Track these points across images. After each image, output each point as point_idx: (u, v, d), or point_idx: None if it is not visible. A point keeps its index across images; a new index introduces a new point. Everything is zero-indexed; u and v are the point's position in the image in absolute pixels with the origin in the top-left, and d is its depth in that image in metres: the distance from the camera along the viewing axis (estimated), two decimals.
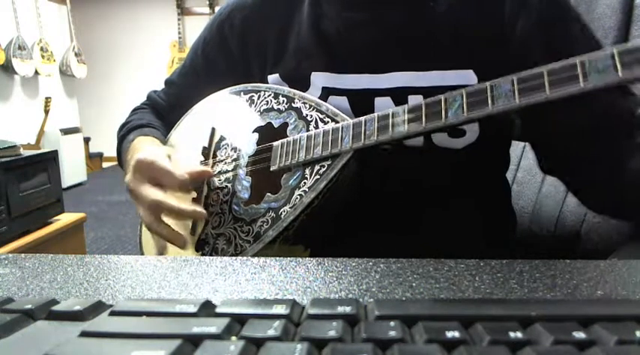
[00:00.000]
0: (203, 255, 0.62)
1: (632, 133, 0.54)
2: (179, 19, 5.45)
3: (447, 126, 0.49)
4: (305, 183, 0.56)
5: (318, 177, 0.55)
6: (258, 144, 0.64)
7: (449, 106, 0.49)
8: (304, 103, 0.61)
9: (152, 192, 0.57)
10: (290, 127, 0.61)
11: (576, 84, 0.42)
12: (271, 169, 0.60)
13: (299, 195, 0.56)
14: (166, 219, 0.67)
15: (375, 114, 0.54)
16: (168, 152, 0.62)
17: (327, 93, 0.63)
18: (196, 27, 5.39)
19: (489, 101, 0.47)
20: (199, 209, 0.57)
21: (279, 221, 0.56)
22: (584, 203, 0.64)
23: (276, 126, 0.63)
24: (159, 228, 0.58)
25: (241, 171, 0.64)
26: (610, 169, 0.54)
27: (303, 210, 0.54)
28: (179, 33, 5.45)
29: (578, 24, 0.59)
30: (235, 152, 0.66)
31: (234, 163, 0.65)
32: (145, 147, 0.65)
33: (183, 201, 0.58)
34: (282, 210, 0.56)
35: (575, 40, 0.58)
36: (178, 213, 0.57)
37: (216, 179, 0.66)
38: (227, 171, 0.65)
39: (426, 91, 0.59)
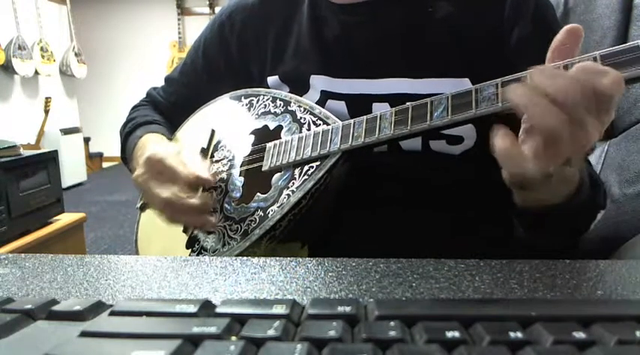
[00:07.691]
0: (193, 252, 0.63)
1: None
2: (179, 19, 5.46)
3: (432, 128, 0.49)
4: (293, 183, 0.57)
5: (306, 177, 0.56)
6: (253, 145, 0.65)
7: (434, 109, 0.49)
8: (299, 106, 0.62)
9: (161, 191, 0.58)
10: (284, 129, 0.62)
11: None
12: (263, 169, 0.61)
13: (287, 195, 0.56)
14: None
15: (365, 116, 0.54)
16: (178, 149, 0.63)
17: (325, 96, 0.64)
18: (196, 27, 5.39)
19: (473, 104, 0.47)
20: (206, 201, 0.59)
21: (266, 220, 0.56)
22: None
23: (271, 128, 0.63)
24: (178, 220, 0.61)
25: (235, 172, 0.65)
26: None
27: (290, 209, 0.55)
28: (179, 33, 5.45)
29: None
30: (231, 153, 0.67)
31: (229, 164, 0.66)
32: (155, 144, 0.66)
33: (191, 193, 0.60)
34: (269, 209, 0.57)
35: None
36: (189, 209, 0.58)
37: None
38: (222, 172, 0.66)
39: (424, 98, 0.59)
